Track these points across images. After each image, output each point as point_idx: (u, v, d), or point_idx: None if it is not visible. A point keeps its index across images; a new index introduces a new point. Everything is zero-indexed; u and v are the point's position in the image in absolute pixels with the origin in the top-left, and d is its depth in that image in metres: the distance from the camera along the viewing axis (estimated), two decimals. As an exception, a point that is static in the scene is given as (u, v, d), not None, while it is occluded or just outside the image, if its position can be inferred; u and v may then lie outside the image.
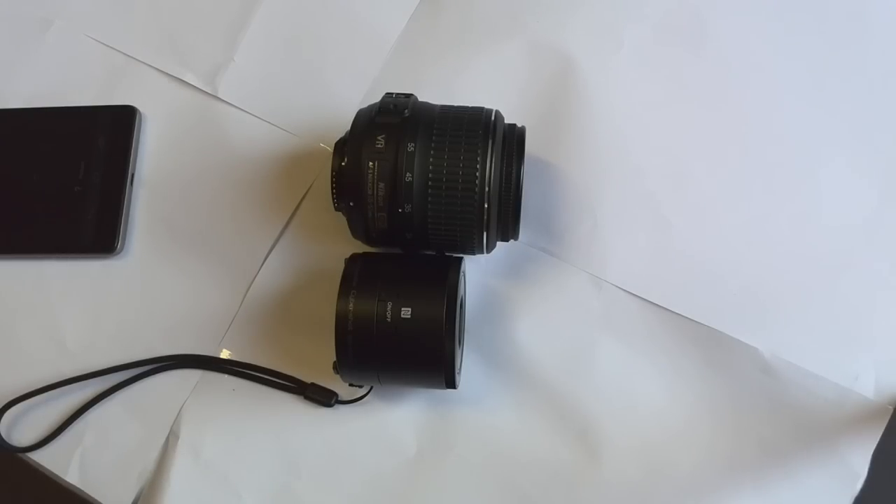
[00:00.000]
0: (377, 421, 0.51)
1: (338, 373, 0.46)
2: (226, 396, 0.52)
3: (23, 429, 0.52)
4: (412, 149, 0.44)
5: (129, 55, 0.58)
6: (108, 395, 0.52)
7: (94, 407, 0.52)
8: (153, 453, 0.51)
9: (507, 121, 0.48)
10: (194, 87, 0.57)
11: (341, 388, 0.51)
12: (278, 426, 0.51)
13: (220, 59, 0.57)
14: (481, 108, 0.46)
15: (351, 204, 0.45)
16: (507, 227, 0.47)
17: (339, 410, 0.51)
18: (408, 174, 0.44)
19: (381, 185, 0.44)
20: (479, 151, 0.44)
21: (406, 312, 0.44)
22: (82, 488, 0.51)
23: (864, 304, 0.51)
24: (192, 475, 0.51)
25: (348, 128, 0.46)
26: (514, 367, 0.51)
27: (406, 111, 0.45)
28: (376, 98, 0.47)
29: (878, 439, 0.49)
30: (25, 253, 0.55)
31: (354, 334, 0.44)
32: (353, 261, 0.46)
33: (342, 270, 0.46)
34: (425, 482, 0.50)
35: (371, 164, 0.44)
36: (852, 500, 0.48)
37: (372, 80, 0.56)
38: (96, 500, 0.51)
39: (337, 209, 0.47)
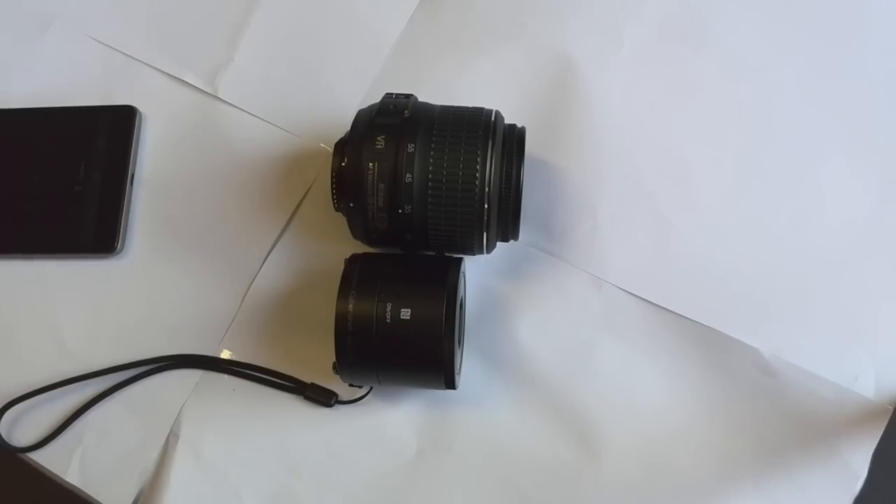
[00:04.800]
0: (377, 421, 0.51)
1: (337, 373, 0.46)
2: (226, 396, 0.52)
3: (23, 429, 0.52)
4: (412, 149, 0.44)
5: (129, 55, 0.58)
6: (109, 394, 0.52)
7: (95, 407, 0.52)
8: (153, 453, 0.51)
9: (507, 121, 0.48)
10: (194, 87, 0.57)
11: (341, 389, 0.51)
12: (278, 426, 0.51)
13: (221, 59, 0.57)
14: (481, 109, 0.46)
15: (351, 204, 0.45)
16: (507, 227, 0.47)
17: (339, 410, 0.51)
18: (408, 175, 0.44)
19: (381, 185, 0.44)
20: (479, 152, 0.44)
21: (406, 313, 0.44)
22: (82, 488, 0.51)
23: (864, 304, 0.51)
24: (192, 475, 0.51)
25: (348, 128, 0.46)
26: (513, 368, 0.51)
27: (406, 112, 0.45)
28: (376, 98, 0.47)
29: (878, 440, 0.49)
30: (25, 253, 0.55)
31: (354, 335, 0.44)
32: (352, 261, 0.46)
33: (342, 271, 0.46)
34: (425, 482, 0.50)
35: (371, 164, 0.44)
36: (852, 500, 0.48)
37: (372, 80, 0.56)
38: (96, 500, 0.51)
39: (337, 209, 0.47)
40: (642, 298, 0.52)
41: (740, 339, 0.50)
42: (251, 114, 0.56)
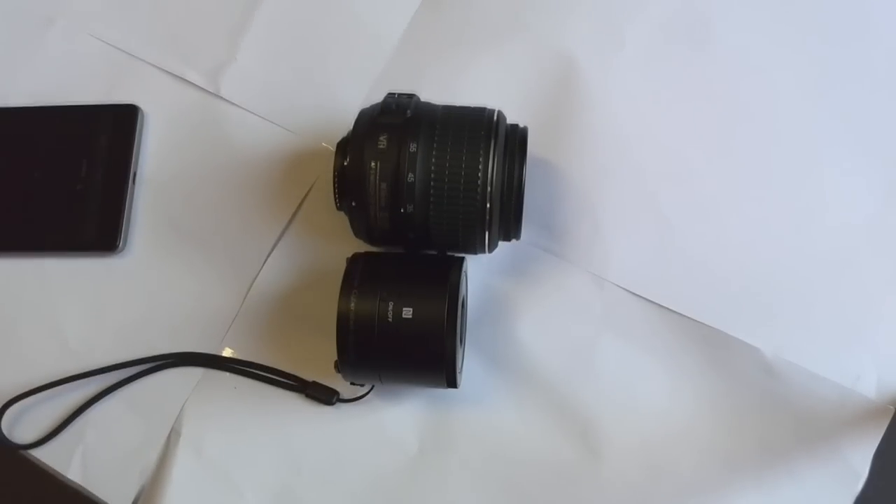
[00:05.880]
0: (378, 420, 0.51)
1: (339, 371, 0.46)
2: (227, 394, 0.52)
3: (24, 426, 0.52)
4: (414, 149, 0.44)
5: (131, 54, 0.58)
6: (110, 392, 0.52)
7: (96, 404, 0.52)
8: (155, 451, 0.51)
9: (509, 121, 0.48)
10: (197, 85, 0.57)
11: (342, 387, 0.51)
12: (280, 424, 0.51)
13: (223, 58, 0.57)
14: (483, 108, 0.46)
15: (353, 204, 0.45)
16: (509, 226, 0.47)
17: (341, 409, 0.51)
18: (410, 174, 0.44)
19: (384, 185, 0.44)
20: (481, 151, 0.44)
21: (407, 312, 0.44)
22: (84, 486, 0.51)
23: (866, 303, 0.51)
24: (193, 473, 0.51)
25: (350, 127, 0.46)
26: (515, 367, 0.51)
27: (408, 111, 0.45)
28: (378, 98, 0.47)
29: (879, 439, 0.49)
30: (27, 251, 0.55)
31: (356, 334, 0.44)
32: (354, 260, 0.46)
33: (344, 269, 0.46)
34: (426, 481, 0.50)
35: (373, 163, 0.44)
36: (853, 500, 0.48)
37: (374, 79, 0.56)
38: (98, 498, 0.51)
39: (339, 209, 0.47)
40: (644, 298, 0.52)
41: (742, 338, 0.50)
42: (253, 113, 0.56)
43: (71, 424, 0.52)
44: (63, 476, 0.51)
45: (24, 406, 0.52)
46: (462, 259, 0.47)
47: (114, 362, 0.52)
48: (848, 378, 0.50)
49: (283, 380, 0.52)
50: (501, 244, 0.49)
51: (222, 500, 0.51)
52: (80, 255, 0.54)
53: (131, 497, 0.51)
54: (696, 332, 0.51)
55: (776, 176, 0.53)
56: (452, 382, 0.46)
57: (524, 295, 0.52)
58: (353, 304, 0.44)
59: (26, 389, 0.51)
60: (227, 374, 0.52)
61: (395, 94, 0.47)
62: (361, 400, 0.51)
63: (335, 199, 0.47)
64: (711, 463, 0.50)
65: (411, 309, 0.44)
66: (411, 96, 0.46)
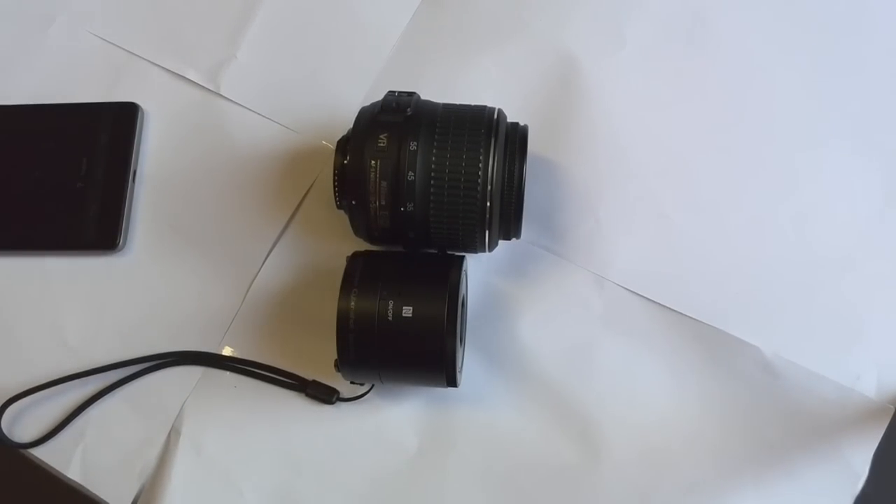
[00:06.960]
0: (378, 419, 0.51)
1: (339, 370, 0.46)
2: (227, 393, 0.52)
3: (24, 425, 0.52)
4: (414, 147, 0.44)
5: (131, 52, 0.58)
6: (110, 391, 0.52)
7: (96, 403, 0.52)
8: (155, 450, 0.51)
9: (509, 119, 0.48)
10: (197, 83, 0.57)
11: (342, 386, 0.51)
12: (280, 423, 0.51)
13: (223, 56, 0.57)
14: (484, 107, 0.46)
15: (353, 202, 0.45)
16: (509, 225, 0.47)
17: (340, 408, 0.51)
18: (410, 173, 0.44)
19: (384, 183, 0.44)
20: (481, 150, 0.44)
21: (407, 311, 0.44)
22: (84, 484, 0.51)
23: (866, 303, 0.51)
24: (193, 471, 0.51)
25: (351, 126, 0.46)
26: (515, 366, 0.51)
27: (408, 109, 0.45)
28: (379, 96, 0.47)
29: (879, 439, 0.49)
30: (27, 249, 0.55)
31: (356, 333, 0.44)
32: (354, 259, 0.46)
33: (344, 268, 0.46)
34: (426, 480, 0.50)
35: (373, 162, 0.44)
36: (853, 499, 0.48)
37: (374, 77, 0.56)
38: (98, 497, 0.51)
39: (339, 207, 0.47)
40: (644, 297, 0.52)
41: (742, 337, 0.50)
42: (253, 111, 0.56)
43: (71, 423, 0.52)
44: (63, 475, 0.51)
45: (24, 405, 0.52)
46: (462, 258, 0.47)
47: (114, 361, 0.52)
48: (848, 377, 0.50)
49: (283, 379, 0.52)
50: (501, 243, 0.49)
51: (222, 499, 0.51)
52: (80, 254, 0.54)
53: (131, 496, 0.51)
54: (695, 330, 0.51)
55: (777, 175, 0.53)
56: (452, 381, 0.46)
57: (524, 294, 0.52)
58: (352, 303, 0.44)
59: (26, 388, 0.51)
60: (227, 373, 0.52)
61: (395, 92, 0.47)
62: (361, 399, 0.51)
63: (335, 198, 0.47)
64: (711, 462, 0.49)
65: (411, 308, 0.44)
66: (411, 95, 0.46)
